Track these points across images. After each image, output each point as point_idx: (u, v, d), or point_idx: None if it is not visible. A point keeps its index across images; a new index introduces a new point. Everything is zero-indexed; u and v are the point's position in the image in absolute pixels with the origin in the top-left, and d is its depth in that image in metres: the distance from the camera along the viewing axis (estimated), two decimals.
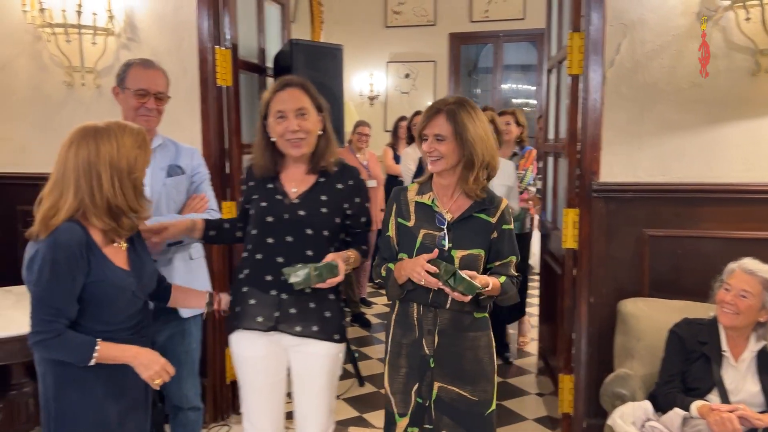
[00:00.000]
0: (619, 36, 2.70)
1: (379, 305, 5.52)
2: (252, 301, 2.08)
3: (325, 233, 2.06)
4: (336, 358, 2.13)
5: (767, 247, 2.54)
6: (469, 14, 7.46)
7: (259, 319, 2.06)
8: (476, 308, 2.02)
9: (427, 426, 2.05)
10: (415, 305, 2.02)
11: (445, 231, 1.98)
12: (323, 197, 2.07)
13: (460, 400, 2.01)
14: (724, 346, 2.28)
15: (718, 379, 2.25)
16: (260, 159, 2.11)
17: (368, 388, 3.74)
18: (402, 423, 2.07)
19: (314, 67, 3.45)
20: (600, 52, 2.71)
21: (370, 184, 4.69)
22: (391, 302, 2.12)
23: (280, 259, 2.03)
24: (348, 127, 5.08)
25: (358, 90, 7.82)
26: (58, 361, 1.71)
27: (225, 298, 2.11)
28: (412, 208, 2.05)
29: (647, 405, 2.28)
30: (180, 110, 3.00)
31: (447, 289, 1.87)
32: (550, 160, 3.69)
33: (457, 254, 1.96)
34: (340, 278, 1.97)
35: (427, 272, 1.87)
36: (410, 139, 4.77)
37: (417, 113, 4.99)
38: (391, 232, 2.07)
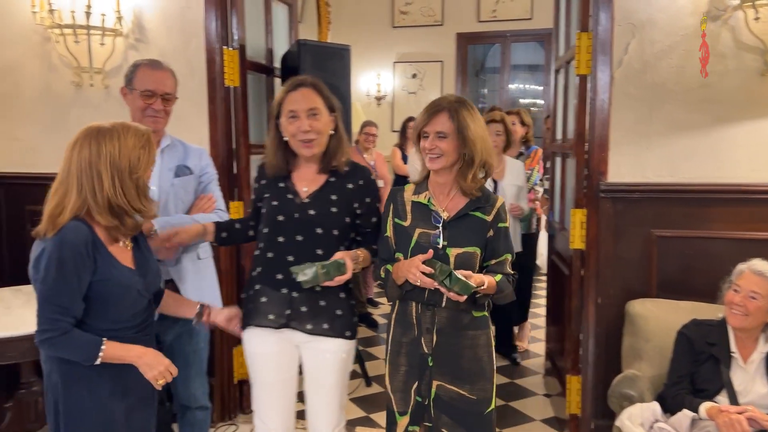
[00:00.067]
0: (627, 36, 2.69)
1: (385, 305, 5.52)
2: (264, 299, 2.10)
3: (335, 232, 2.08)
4: (347, 355, 2.15)
5: None
6: (477, 14, 7.45)
7: (271, 316, 2.09)
8: (474, 307, 2.03)
9: (426, 424, 2.06)
10: (413, 304, 2.04)
11: (440, 229, 1.99)
12: (333, 197, 2.09)
13: (458, 398, 2.02)
14: (733, 347, 2.27)
15: (727, 381, 2.24)
16: (272, 158, 2.14)
17: (375, 388, 3.74)
18: (402, 422, 2.09)
19: (321, 67, 3.46)
20: (608, 52, 2.70)
21: (378, 184, 4.70)
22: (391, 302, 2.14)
23: (290, 258, 2.05)
24: (355, 128, 5.09)
25: (365, 90, 7.83)
26: (63, 359, 1.72)
27: (218, 313, 2.08)
28: (408, 208, 2.06)
29: (655, 406, 2.28)
30: (188, 111, 3.01)
31: (443, 289, 1.88)
32: (558, 160, 3.68)
33: (452, 252, 1.97)
34: (347, 276, 1.98)
35: (423, 273, 1.88)
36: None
37: None
38: (389, 232, 2.09)
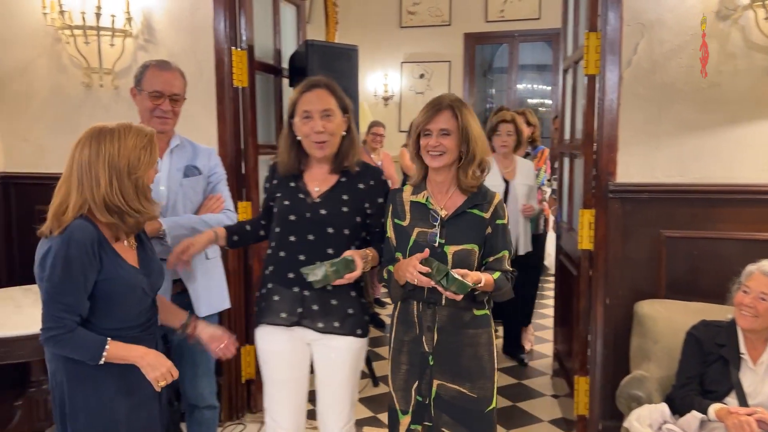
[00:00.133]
0: (636, 36, 2.68)
1: (392, 306, 5.51)
2: (276, 297, 2.13)
3: (346, 232, 2.10)
4: (358, 352, 2.17)
5: None
6: (485, 14, 7.44)
7: (283, 314, 2.11)
8: (474, 304, 2.04)
9: (427, 423, 2.08)
10: (414, 303, 2.06)
11: (437, 227, 2.01)
12: (345, 197, 2.11)
13: (459, 397, 2.04)
14: (743, 348, 2.26)
15: (736, 382, 2.23)
16: (285, 157, 2.16)
17: (382, 389, 3.74)
18: (405, 420, 2.10)
19: (329, 67, 3.46)
20: (617, 52, 2.69)
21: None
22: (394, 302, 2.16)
23: (302, 257, 2.07)
24: (362, 128, 5.09)
25: (372, 90, 7.83)
26: (68, 358, 1.73)
27: (204, 329, 2.05)
28: (407, 208, 2.08)
29: (664, 407, 2.27)
30: (196, 111, 3.02)
31: (440, 288, 1.90)
32: (566, 160, 3.67)
33: (450, 250, 1.99)
34: (357, 273, 2.01)
35: (420, 272, 1.89)
36: None
37: None
38: (390, 233, 2.11)
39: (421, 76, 7.76)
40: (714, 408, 2.16)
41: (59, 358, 1.75)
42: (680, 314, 2.55)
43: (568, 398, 3.27)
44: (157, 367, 1.75)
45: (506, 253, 2.06)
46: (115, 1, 3.05)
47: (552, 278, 4.69)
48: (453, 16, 7.55)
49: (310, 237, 2.08)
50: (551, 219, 4.61)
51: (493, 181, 3.87)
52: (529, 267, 4.17)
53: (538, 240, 4.30)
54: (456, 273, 1.87)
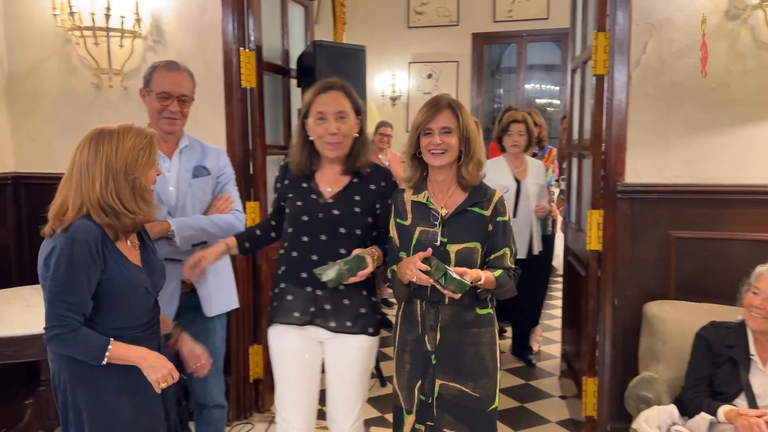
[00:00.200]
0: (645, 35, 2.67)
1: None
2: (289, 297, 2.14)
3: (358, 232, 2.12)
4: (370, 351, 2.20)
5: None
6: (493, 14, 7.43)
7: (296, 314, 2.13)
8: (476, 302, 2.05)
9: (429, 423, 2.09)
10: (418, 302, 2.08)
11: (439, 227, 2.02)
12: (357, 197, 2.13)
13: (461, 396, 2.05)
14: (752, 350, 2.24)
15: (746, 384, 2.22)
16: (298, 157, 2.17)
17: (390, 389, 3.72)
18: (410, 419, 2.11)
19: (337, 68, 3.47)
20: (625, 52, 2.68)
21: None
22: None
23: (314, 257, 2.09)
24: (370, 128, 5.09)
25: (380, 90, 7.84)
26: (71, 358, 1.73)
27: (184, 343, 2.06)
28: (408, 208, 2.10)
29: (673, 409, 2.26)
30: (205, 111, 3.04)
31: (439, 287, 1.91)
32: (575, 161, 3.66)
33: (453, 248, 2.00)
34: (370, 269, 2.04)
35: (420, 270, 1.90)
36: None
37: None
38: (393, 233, 2.12)
39: (429, 76, 7.75)
40: (723, 410, 2.15)
41: (62, 358, 1.76)
42: (689, 315, 2.54)
43: (576, 399, 3.26)
44: (158, 369, 1.75)
45: (507, 250, 2.06)
46: (124, 2, 3.06)
47: (560, 279, 4.68)
48: (461, 16, 7.54)
49: (323, 237, 2.10)
50: (559, 220, 4.60)
51: (504, 181, 3.89)
52: (538, 267, 4.16)
53: (547, 241, 4.29)
54: (454, 272, 1.89)
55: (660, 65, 2.67)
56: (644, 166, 2.73)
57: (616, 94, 2.71)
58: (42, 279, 1.73)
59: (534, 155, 4.34)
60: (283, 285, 2.17)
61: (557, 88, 8.12)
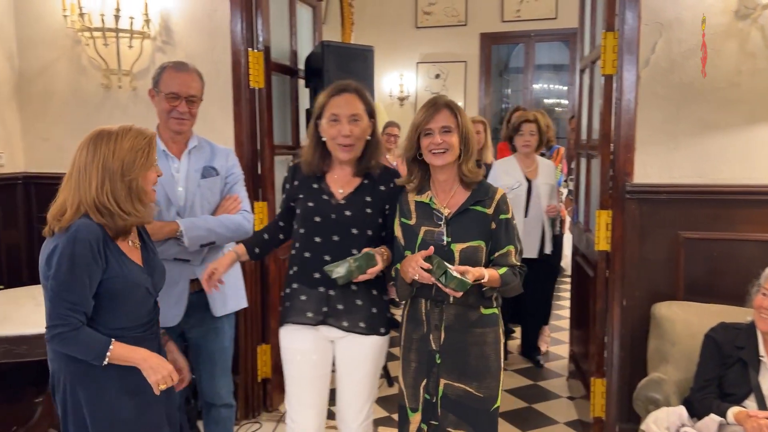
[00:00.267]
0: (654, 35, 2.66)
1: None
2: (303, 297, 2.16)
3: (369, 233, 2.14)
4: (381, 349, 2.22)
5: None
6: (501, 14, 7.42)
7: (309, 314, 2.15)
8: (482, 301, 2.05)
9: (433, 422, 2.10)
10: (423, 301, 2.09)
11: (444, 226, 2.03)
12: (368, 198, 2.15)
13: (465, 396, 2.06)
14: (762, 351, 2.23)
15: (756, 385, 2.20)
16: (311, 157, 2.18)
17: (397, 389, 3.74)
18: (415, 418, 2.13)
19: (345, 68, 3.48)
20: (634, 52, 2.67)
21: None
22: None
23: (327, 258, 2.11)
24: (378, 128, 5.09)
25: (388, 90, 7.83)
26: (71, 358, 1.74)
27: (170, 353, 2.03)
28: (412, 207, 2.11)
29: (682, 410, 2.25)
30: (213, 112, 3.05)
31: (440, 285, 1.92)
32: (583, 161, 3.65)
33: (457, 248, 2.02)
34: (379, 267, 2.06)
35: (422, 268, 1.92)
36: None
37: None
38: (397, 233, 2.14)
39: (437, 76, 7.74)
40: (733, 411, 2.14)
41: (62, 358, 1.76)
42: (698, 316, 2.52)
43: (584, 400, 3.25)
44: (158, 371, 1.76)
45: (512, 247, 2.07)
46: (133, 3, 3.08)
47: (568, 280, 4.67)
48: (469, 16, 7.53)
49: (335, 238, 2.12)
50: (567, 220, 4.59)
51: (514, 181, 3.88)
52: (548, 267, 4.16)
53: (555, 241, 4.29)
54: (455, 270, 1.89)
55: (669, 65, 2.66)
56: (653, 167, 2.72)
57: (624, 93, 2.70)
58: (43, 278, 1.74)
59: (542, 155, 4.34)
60: (295, 285, 2.18)
61: (565, 88, 8.09)
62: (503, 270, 2.03)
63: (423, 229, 2.06)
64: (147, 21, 3.13)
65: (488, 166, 4.20)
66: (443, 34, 7.63)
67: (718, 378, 2.28)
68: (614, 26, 2.76)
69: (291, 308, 2.18)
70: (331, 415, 2.35)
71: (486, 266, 2.03)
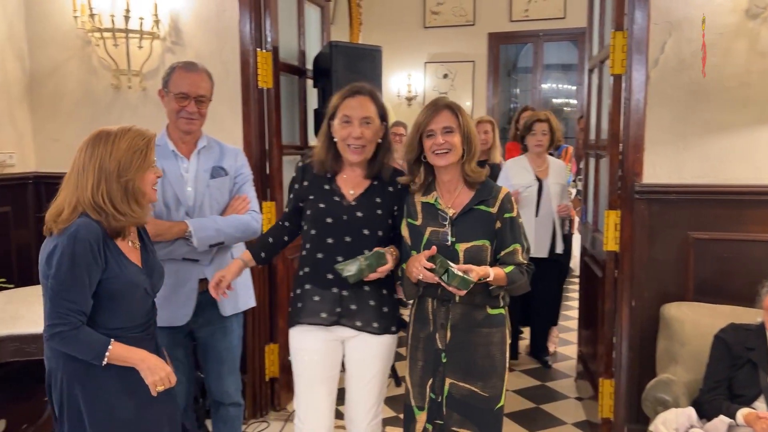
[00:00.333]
0: (663, 35, 2.65)
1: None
2: (316, 298, 2.17)
3: (380, 233, 2.16)
4: (390, 348, 2.24)
5: None
6: (509, 14, 7.40)
7: (323, 314, 2.16)
8: (489, 301, 2.06)
9: (438, 422, 2.11)
10: (429, 300, 2.10)
11: (449, 227, 2.04)
12: (378, 199, 2.17)
13: (470, 395, 2.07)
14: None
15: (765, 387, 2.19)
16: (323, 156, 2.19)
17: (404, 388, 3.74)
18: (421, 417, 2.13)
19: (353, 68, 3.48)
20: (644, 51, 2.66)
21: None
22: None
23: (339, 258, 2.12)
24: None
25: (396, 90, 7.83)
26: (70, 358, 1.74)
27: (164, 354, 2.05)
28: (419, 208, 2.13)
29: (691, 411, 2.24)
30: (222, 112, 3.06)
31: (443, 284, 1.93)
32: (592, 161, 3.64)
33: (461, 247, 2.03)
34: (389, 266, 2.07)
35: (425, 267, 1.93)
36: None
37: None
38: (404, 233, 2.15)
39: (445, 76, 7.74)
40: (742, 413, 2.13)
41: (60, 357, 1.77)
42: (708, 317, 2.51)
43: (592, 401, 3.25)
44: (156, 372, 1.76)
45: (518, 246, 2.07)
46: (143, 4, 3.10)
47: (576, 280, 4.65)
48: (477, 16, 7.52)
49: (347, 239, 2.13)
50: (576, 220, 4.58)
51: (526, 180, 3.88)
52: (558, 267, 4.15)
53: (565, 240, 4.28)
54: (458, 269, 1.90)
55: (678, 64, 2.65)
56: (662, 167, 2.70)
57: (634, 93, 2.69)
58: (43, 277, 1.74)
59: (550, 155, 4.32)
60: (308, 286, 2.18)
61: (574, 87, 8.06)
62: (509, 268, 2.03)
63: (429, 229, 2.08)
64: (156, 22, 3.15)
65: (496, 166, 4.19)
66: (451, 34, 7.62)
67: (728, 379, 2.27)
68: (623, 26, 2.75)
69: (303, 309, 2.18)
70: (339, 415, 2.35)
71: (492, 265, 2.03)
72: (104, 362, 1.71)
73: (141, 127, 1.84)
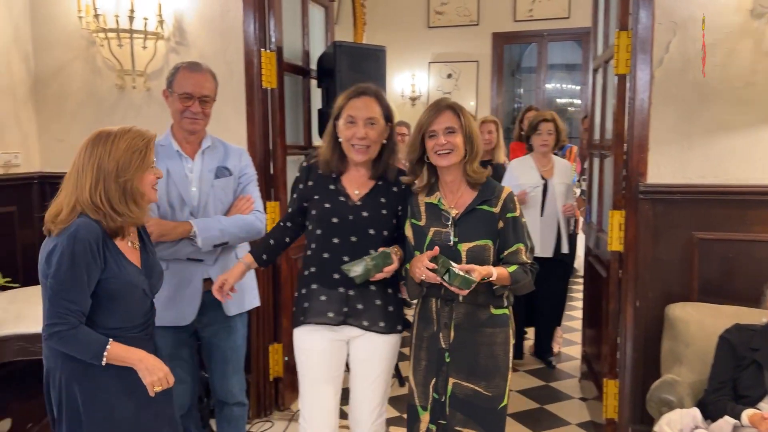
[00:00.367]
0: (668, 34, 2.64)
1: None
2: (323, 298, 2.17)
3: (385, 233, 2.17)
4: (395, 347, 2.25)
5: None
6: (513, 14, 7.40)
7: (330, 314, 2.16)
8: (493, 300, 2.06)
9: (441, 422, 2.11)
10: (433, 300, 2.11)
11: (451, 227, 2.05)
12: (383, 199, 2.18)
13: (474, 395, 2.07)
14: None
15: None
16: (329, 155, 2.20)
17: (408, 388, 3.74)
18: (425, 417, 2.14)
19: (357, 68, 3.48)
20: (648, 51, 2.66)
21: None
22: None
23: (345, 258, 2.13)
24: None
25: (399, 90, 7.84)
26: (68, 357, 1.74)
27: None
28: (422, 209, 2.13)
29: (696, 412, 2.23)
30: (226, 112, 3.07)
31: (445, 284, 1.93)
32: (596, 161, 3.63)
33: (463, 247, 2.03)
34: (395, 265, 2.08)
35: (427, 268, 1.93)
36: None
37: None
38: (408, 233, 2.15)
39: (449, 76, 7.73)
40: (747, 413, 2.12)
41: (58, 357, 1.77)
42: (713, 317, 2.50)
43: (596, 401, 3.24)
44: (154, 372, 1.76)
45: (521, 245, 2.07)
46: (147, 4, 3.11)
47: (580, 280, 4.64)
48: (481, 16, 7.52)
49: (353, 239, 2.14)
50: (581, 220, 4.57)
51: (531, 180, 3.88)
52: (563, 267, 4.14)
53: (570, 240, 4.27)
54: (459, 268, 1.90)
55: (683, 64, 2.64)
56: (667, 167, 2.70)
57: (638, 93, 2.68)
58: (43, 277, 1.75)
59: (554, 155, 4.32)
60: (314, 286, 2.19)
61: (578, 87, 8.06)
62: (513, 268, 2.03)
63: (432, 230, 2.08)
64: (161, 22, 3.15)
65: (500, 166, 4.19)
66: (455, 34, 7.62)
67: (733, 380, 2.26)
68: (628, 25, 2.74)
69: (310, 308, 2.18)
70: (343, 415, 2.35)
71: (496, 265, 2.03)
72: (103, 362, 1.72)
73: (142, 127, 1.84)
